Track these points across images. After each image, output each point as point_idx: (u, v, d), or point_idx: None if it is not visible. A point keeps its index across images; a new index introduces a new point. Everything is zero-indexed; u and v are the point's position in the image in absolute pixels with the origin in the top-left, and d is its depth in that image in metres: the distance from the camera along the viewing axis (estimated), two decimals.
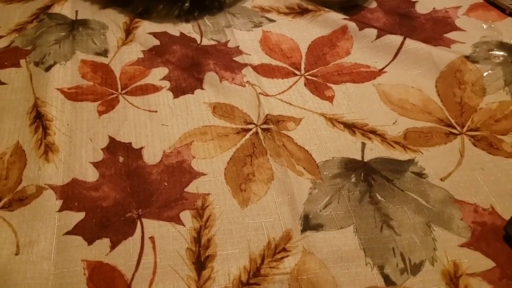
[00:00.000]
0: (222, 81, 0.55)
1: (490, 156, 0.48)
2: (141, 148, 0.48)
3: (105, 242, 0.41)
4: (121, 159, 0.47)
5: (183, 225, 0.43)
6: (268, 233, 0.42)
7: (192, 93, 0.54)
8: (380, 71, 0.57)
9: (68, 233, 0.42)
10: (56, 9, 0.65)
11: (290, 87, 0.55)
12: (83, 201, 0.44)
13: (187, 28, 0.63)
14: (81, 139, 0.49)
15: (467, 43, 0.60)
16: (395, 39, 0.59)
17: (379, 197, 0.45)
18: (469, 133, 0.50)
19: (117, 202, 0.44)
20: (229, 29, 0.63)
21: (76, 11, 0.65)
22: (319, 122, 0.51)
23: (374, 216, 0.43)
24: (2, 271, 0.39)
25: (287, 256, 0.41)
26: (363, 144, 0.49)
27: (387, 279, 0.39)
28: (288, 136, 0.50)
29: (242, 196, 0.45)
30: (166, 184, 0.45)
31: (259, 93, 0.54)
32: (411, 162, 0.47)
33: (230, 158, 0.48)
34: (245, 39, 0.61)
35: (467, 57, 0.57)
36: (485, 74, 0.55)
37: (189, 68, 0.57)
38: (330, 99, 0.54)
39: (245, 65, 0.57)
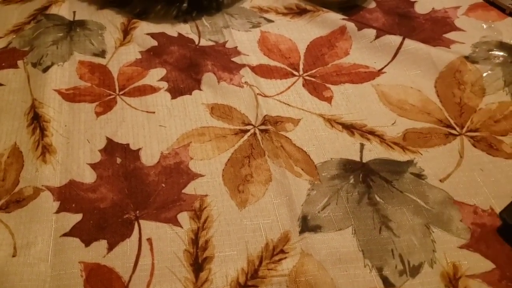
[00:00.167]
0: (220, 82, 0.55)
1: (490, 157, 0.48)
2: (139, 149, 0.48)
3: (103, 243, 0.41)
4: (118, 160, 0.47)
5: (181, 226, 0.42)
6: (266, 234, 0.42)
7: (190, 94, 0.54)
8: (379, 72, 0.57)
9: (65, 234, 0.42)
10: (53, 10, 0.64)
11: (289, 87, 0.55)
12: (81, 202, 0.44)
13: (185, 29, 0.63)
14: (78, 140, 0.49)
15: (466, 43, 0.60)
16: (394, 40, 0.59)
17: (378, 199, 0.44)
18: (468, 133, 0.50)
19: (114, 204, 0.44)
20: (227, 30, 0.62)
21: (74, 12, 0.65)
22: (318, 123, 0.51)
23: (372, 218, 0.43)
24: None
25: (285, 257, 0.40)
26: (362, 145, 0.49)
27: (386, 281, 0.39)
28: (286, 137, 0.49)
29: (240, 198, 0.44)
30: (163, 185, 0.45)
31: (257, 94, 0.54)
32: (410, 163, 0.47)
33: (228, 159, 0.47)
34: (243, 40, 0.61)
35: (466, 57, 0.56)
36: (484, 74, 0.55)
37: (187, 69, 0.57)
38: (329, 99, 0.54)
39: (243, 65, 0.57)
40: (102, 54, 0.59)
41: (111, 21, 0.63)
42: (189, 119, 0.51)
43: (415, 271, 0.40)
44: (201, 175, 0.46)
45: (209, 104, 0.53)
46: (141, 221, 0.43)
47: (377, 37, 0.60)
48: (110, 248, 0.41)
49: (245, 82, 0.55)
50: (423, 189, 0.45)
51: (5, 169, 0.46)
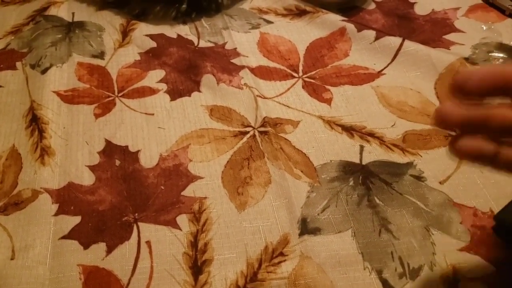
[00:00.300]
0: (219, 83, 0.55)
1: None
2: (138, 151, 0.48)
3: (101, 246, 0.41)
4: (117, 162, 0.47)
5: (180, 229, 0.42)
6: (265, 237, 0.42)
7: (189, 95, 0.54)
8: (379, 73, 0.57)
9: (64, 237, 0.41)
10: (52, 11, 0.64)
11: (288, 89, 0.55)
12: (79, 205, 0.44)
13: (184, 30, 0.63)
14: (77, 142, 0.49)
15: (466, 44, 0.59)
16: (393, 41, 0.59)
17: (377, 201, 0.44)
18: None
19: (113, 206, 0.44)
20: (227, 31, 0.62)
21: (73, 13, 0.64)
22: (317, 125, 0.51)
23: (372, 220, 0.43)
24: None
25: (285, 260, 0.40)
26: (361, 147, 0.49)
27: (385, 283, 0.39)
28: (285, 139, 0.49)
29: (239, 200, 0.44)
30: (162, 187, 0.45)
31: (257, 95, 0.53)
32: (409, 165, 0.47)
33: (227, 161, 0.47)
34: (242, 41, 0.61)
35: (466, 58, 0.56)
36: None
37: (186, 70, 0.57)
38: (328, 101, 0.53)
39: (243, 67, 0.57)
40: (101, 55, 0.58)
41: (110, 22, 0.63)
42: (188, 121, 0.51)
43: (415, 273, 0.40)
44: (200, 177, 0.46)
45: (208, 106, 0.53)
46: (140, 224, 0.42)
47: (376, 38, 0.60)
48: (109, 250, 0.41)
49: (245, 83, 0.55)
50: (422, 191, 0.45)
51: (3, 171, 0.46)
